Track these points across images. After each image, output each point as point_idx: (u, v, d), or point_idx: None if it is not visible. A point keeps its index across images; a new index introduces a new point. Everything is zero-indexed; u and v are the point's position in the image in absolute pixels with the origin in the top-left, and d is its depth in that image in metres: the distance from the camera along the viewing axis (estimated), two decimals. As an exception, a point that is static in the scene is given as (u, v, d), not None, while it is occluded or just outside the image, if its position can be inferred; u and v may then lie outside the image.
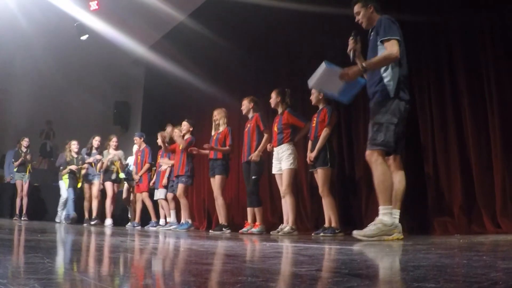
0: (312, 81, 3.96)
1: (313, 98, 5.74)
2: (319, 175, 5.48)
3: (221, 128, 6.95)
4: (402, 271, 1.70)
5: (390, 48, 3.72)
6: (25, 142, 10.51)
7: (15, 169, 10.33)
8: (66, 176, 9.46)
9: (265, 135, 6.33)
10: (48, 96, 12.39)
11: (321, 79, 3.86)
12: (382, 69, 3.84)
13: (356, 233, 3.74)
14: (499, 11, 4.76)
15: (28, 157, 10.39)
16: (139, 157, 9.07)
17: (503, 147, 4.61)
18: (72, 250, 2.93)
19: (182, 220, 7.60)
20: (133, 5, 8.84)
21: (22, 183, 10.23)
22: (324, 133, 5.48)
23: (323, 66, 3.83)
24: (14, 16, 9.56)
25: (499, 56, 4.72)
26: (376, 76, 3.87)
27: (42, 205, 10.62)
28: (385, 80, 3.81)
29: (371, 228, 3.66)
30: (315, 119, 5.67)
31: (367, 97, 6.05)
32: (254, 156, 6.26)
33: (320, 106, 5.68)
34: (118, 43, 9.96)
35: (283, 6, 6.84)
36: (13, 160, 10.46)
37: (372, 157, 3.78)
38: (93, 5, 9.18)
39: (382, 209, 3.69)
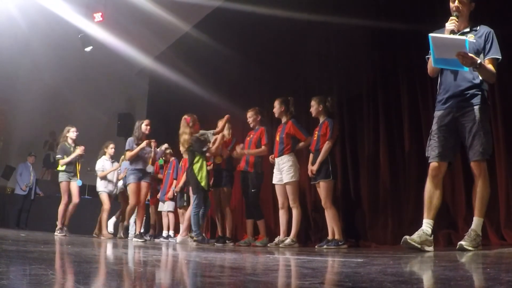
0: (436, 34, 3.62)
1: (313, 110, 5.76)
2: (322, 187, 5.48)
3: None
4: (406, 284, 1.69)
5: (495, 69, 3.63)
6: (72, 133, 8.13)
7: (62, 167, 7.91)
8: (204, 168, 6.32)
9: (263, 148, 6.32)
10: (52, 107, 12.42)
11: (445, 40, 3.54)
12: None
13: (464, 244, 3.50)
14: (500, 17, 4.75)
15: (79, 150, 8.01)
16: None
17: (507, 160, 4.61)
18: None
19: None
20: (138, 16, 8.91)
21: (70, 185, 7.94)
22: (326, 146, 5.48)
23: (463, 38, 3.50)
24: (19, 27, 9.64)
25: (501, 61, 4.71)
26: (476, 78, 3.71)
27: (44, 216, 10.44)
28: (483, 86, 3.71)
29: (470, 241, 3.54)
30: (316, 132, 5.69)
31: (371, 107, 6.15)
32: (241, 150, 6.36)
33: (321, 119, 5.69)
34: (122, 54, 10.01)
35: (287, 16, 6.90)
36: (59, 156, 7.97)
37: (483, 167, 3.63)
38: (98, 17, 9.23)
39: (478, 221, 3.61)
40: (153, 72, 11.12)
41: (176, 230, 8.36)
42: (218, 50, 8.42)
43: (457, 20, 3.70)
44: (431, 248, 3.63)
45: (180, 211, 7.99)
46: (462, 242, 3.50)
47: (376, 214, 5.85)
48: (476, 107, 3.65)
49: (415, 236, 3.63)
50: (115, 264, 2.73)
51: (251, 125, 6.62)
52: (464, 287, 1.59)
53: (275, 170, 6.09)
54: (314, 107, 5.75)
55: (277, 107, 6.16)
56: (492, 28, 3.76)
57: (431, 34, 3.57)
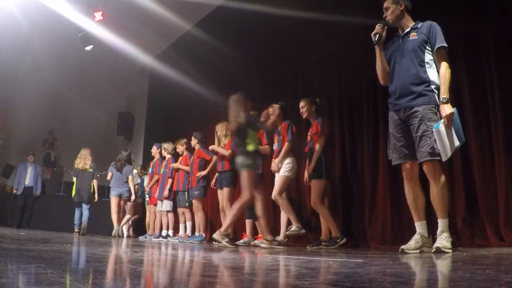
0: (443, 153, 3.53)
1: (305, 111, 5.73)
2: (313, 186, 5.48)
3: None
4: (405, 284, 1.69)
5: (446, 58, 3.64)
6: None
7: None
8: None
9: (266, 147, 6.30)
10: (52, 106, 12.42)
11: (441, 143, 3.49)
12: (431, 72, 3.68)
13: (441, 246, 3.46)
14: (501, 17, 4.74)
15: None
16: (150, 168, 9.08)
17: (507, 160, 4.59)
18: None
19: (196, 233, 7.61)
20: (138, 15, 8.89)
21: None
22: (318, 143, 5.49)
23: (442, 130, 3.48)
24: (19, 26, 9.63)
25: (501, 60, 4.70)
26: (423, 75, 3.67)
27: (45, 216, 10.42)
28: (433, 86, 3.65)
29: (444, 241, 3.52)
30: (309, 133, 5.71)
31: (371, 108, 6.13)
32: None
33: (313, 119, 5.70)
34: (123, 53, 9.99)
35: (288, 15, 6.88)
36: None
37: (435, 168, 3.60)
38: (98, 16, 9.22)
39: (443, 222, 3.59)
40: (153, 71, 11.11)
41: (176, 230, 8.38)
42: (218, 49, 8.40)
43: (381, 26, 3.89)
44: (431, 249, 3.64)
45: (180, 210, 8.00)
46: (439, 245, 3.47)
47: (376, 214, 5.84)
48: (422, 107, 3.62)
49: (412, 242, 3.63)
50: (114, 263, 2.73)
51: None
52: (463, 288, 1.59)
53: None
54: (305, 108, 5.71)
55: (276, 111, 6.09)
56: (496, 29, 3.77)
57: (444, 158, 3.54)
